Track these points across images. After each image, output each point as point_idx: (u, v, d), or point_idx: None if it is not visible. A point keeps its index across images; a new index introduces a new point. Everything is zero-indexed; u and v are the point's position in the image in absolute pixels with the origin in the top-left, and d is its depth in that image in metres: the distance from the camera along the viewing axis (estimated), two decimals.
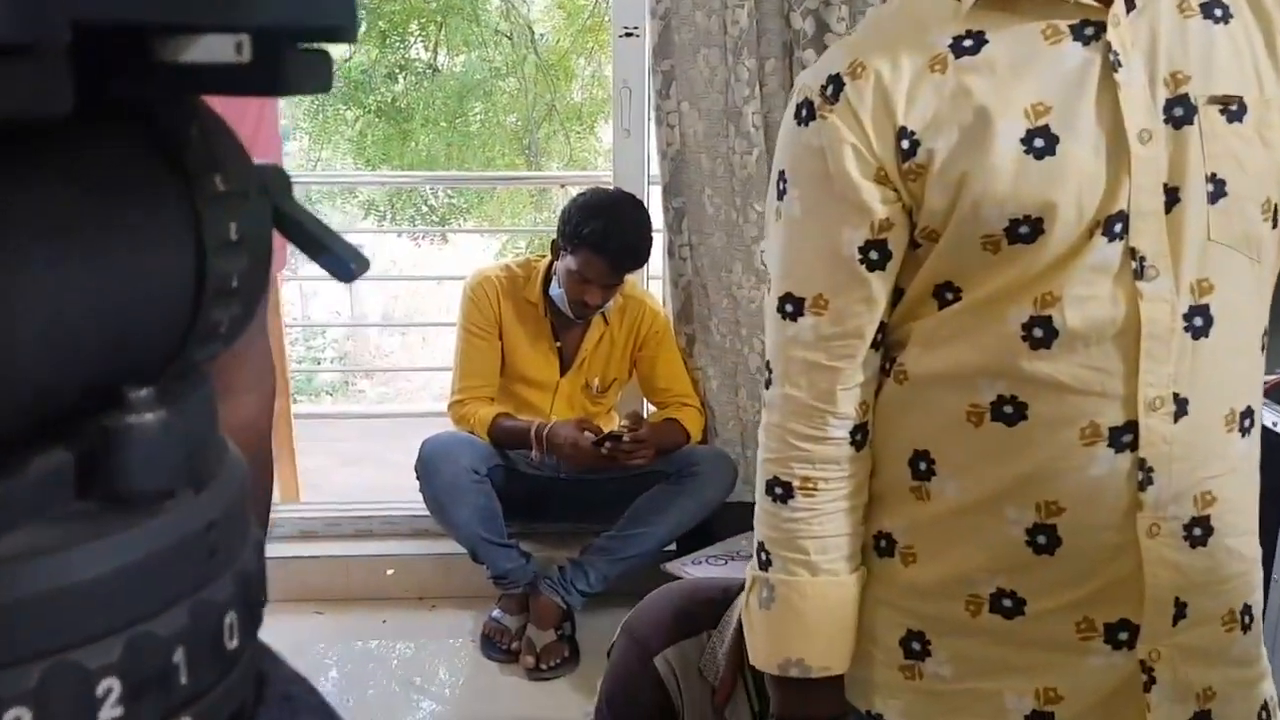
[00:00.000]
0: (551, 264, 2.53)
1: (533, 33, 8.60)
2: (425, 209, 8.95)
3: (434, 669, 2.53)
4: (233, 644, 0.26)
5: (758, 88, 2.49)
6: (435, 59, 8.67)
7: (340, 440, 4.62)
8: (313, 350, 8.12)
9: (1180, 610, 0.93)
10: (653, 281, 2.93)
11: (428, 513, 2.52)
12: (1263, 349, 0.96)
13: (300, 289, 6.30)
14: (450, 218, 9.01)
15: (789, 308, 1.00)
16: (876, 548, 1.02)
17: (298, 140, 8.47)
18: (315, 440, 4.06)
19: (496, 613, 2.49)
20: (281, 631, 0.33)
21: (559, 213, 2.51)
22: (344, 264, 0.29)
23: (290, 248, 0.29)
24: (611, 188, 2.64)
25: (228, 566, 0.26)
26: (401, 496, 2.77)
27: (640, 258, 2.48)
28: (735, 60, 2.47)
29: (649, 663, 1.37)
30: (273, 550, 0.31)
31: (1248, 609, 0.97)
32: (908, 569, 1.00)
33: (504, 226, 8.53)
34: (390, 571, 2.72)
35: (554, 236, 2.50)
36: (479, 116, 8.61)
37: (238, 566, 0.27)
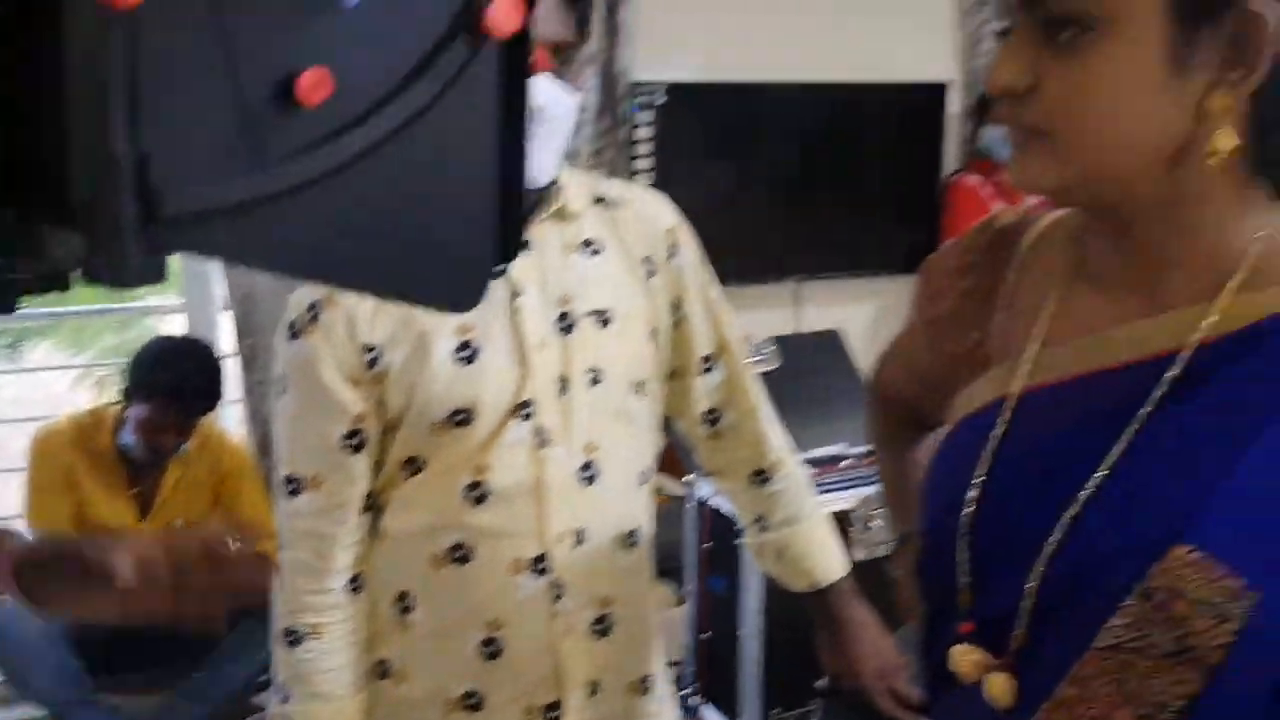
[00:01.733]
0: (123, 410, 2.60)
1: None
2: None
3: None
4: None
5: None
6: None
7: None
8: None
9: (593, 688, 1.26)
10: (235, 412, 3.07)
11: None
12: (643, 483, 1.32)
13: None
14: (23, 339, 8.43)
15: (291, 486, 1.25)
16: (376, 673, 1.28)
17: None
18: None
19: None
20: None
21: (129, 362, 2.60)
22: None
23: None
24: (179, 335, 2.77)
25: None
26: None
27: (211, 401, 2.62)
28: None
29: None
30: None
31: (647, 677, 1.33)
32: (399, 687, 1.27)
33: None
34: None
35: (124, 385, 2.58)
36: None
37: None
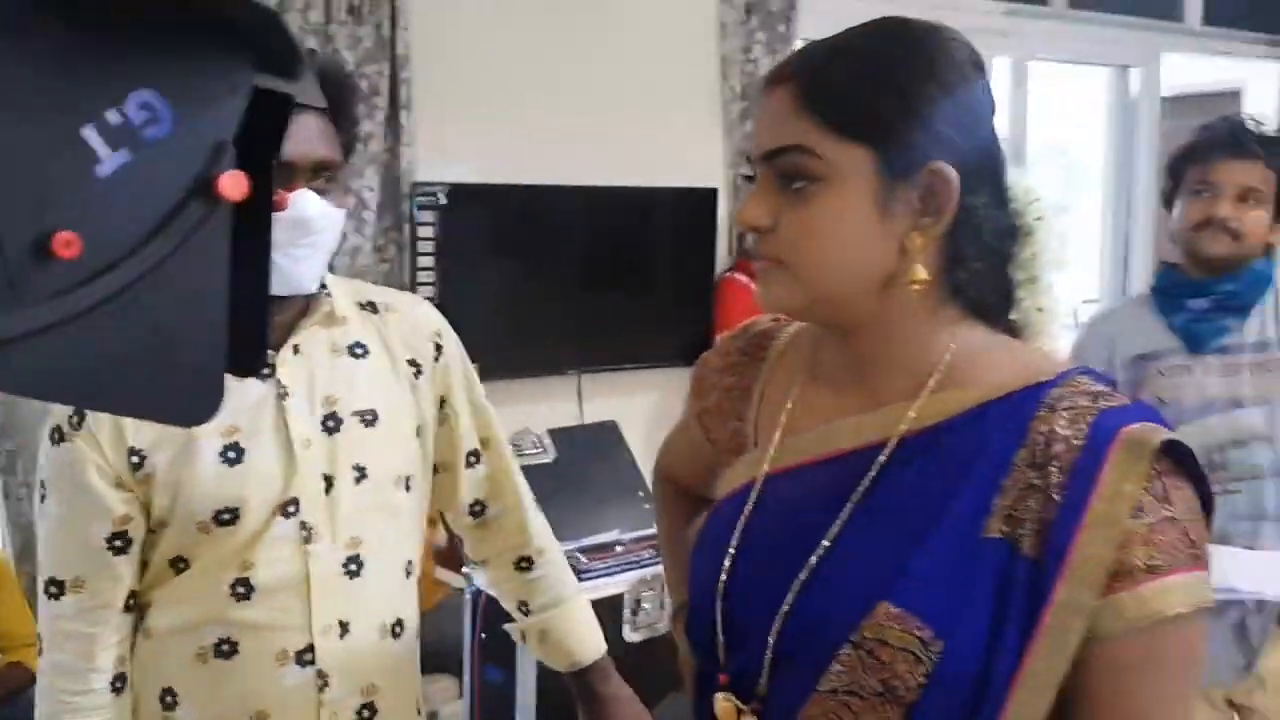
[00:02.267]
0: None
1: None
2: None
3: None
4: None
5: None
6: None
7: None
8: None
9: None
10: None
11: None
12: (408, 575, 1.39)
13: None
14: None
15: (53, 589, 1.26)
16: None
17: None
18: None
19: None
20: None
21: None
22: None
23: None
24: None
25: None
26: None
27: None
28: None
29: None
30: None
31: None
32: None
33: None
34: None
35: None
36: None
37: None
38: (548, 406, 3.35)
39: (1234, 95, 5.59)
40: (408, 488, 1.38)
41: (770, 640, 0.90)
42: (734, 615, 0.94)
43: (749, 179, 0.95)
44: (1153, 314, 2.06)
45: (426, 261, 3.17)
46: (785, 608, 0.89)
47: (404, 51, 3.06)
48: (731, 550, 0.95)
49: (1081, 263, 4.99)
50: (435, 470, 1.47)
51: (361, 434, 1.34)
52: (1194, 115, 5.96)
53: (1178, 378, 1.99)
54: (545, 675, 2.15)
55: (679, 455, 1.23)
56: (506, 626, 1.59)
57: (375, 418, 1.35)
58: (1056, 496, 0.83)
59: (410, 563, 1.40)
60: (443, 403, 1.45)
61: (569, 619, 1.53)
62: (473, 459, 1.49)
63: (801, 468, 0.95)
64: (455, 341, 1.49)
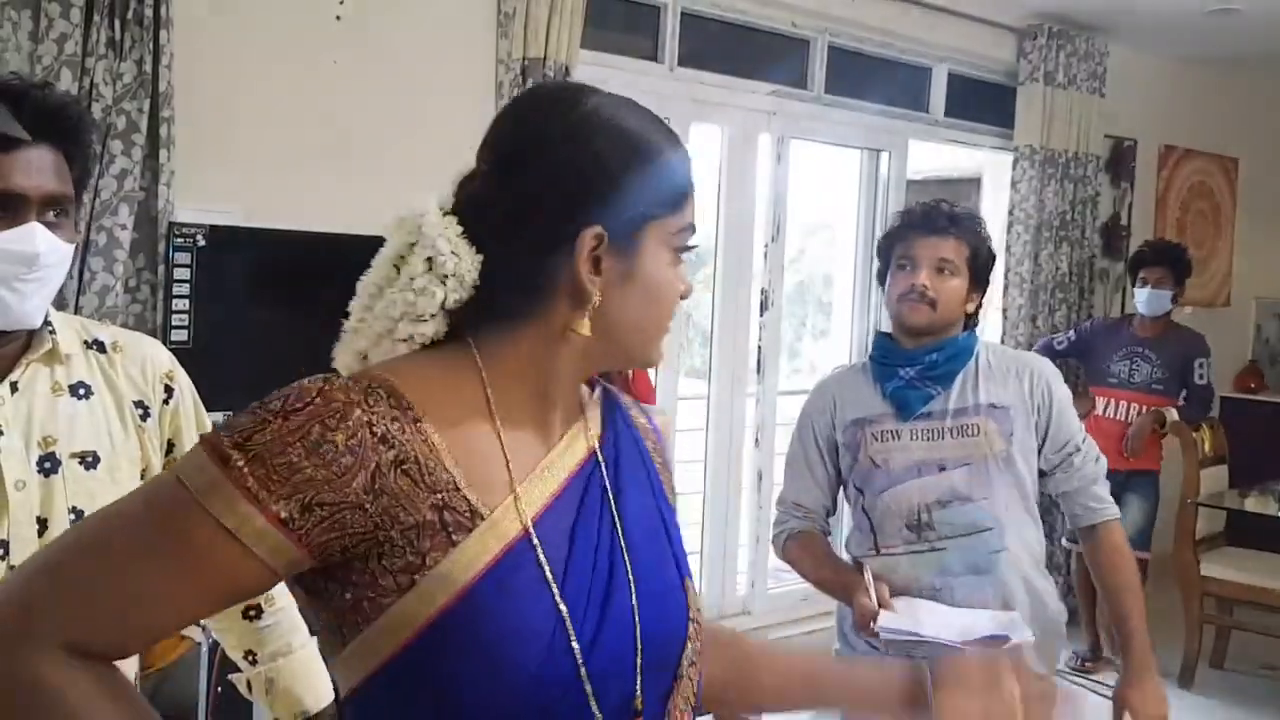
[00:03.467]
0: None
1: None
2: None
3: None
4: None
5: None
6: None
7: None
8: None
9: None
10: None
11: None
12: None
13: None
14: None
15: None
16: None
17: None
18: None
19: None
20: None
21: None
22: None
23: None
24: None
25: None
26: None
27: None
28: None
29: None
30: None
31: None
32: None
33: None
34: None
35: None
36: None
37: None
38: None
39: (975, 181, 6.11)
40: None
41: (638, 662, 0.95)
42: (599, 658, 0.92)
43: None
44: (869, 380, 2.22)
45: (181, 304, 3.08)
46: (637, 627, 0.96)
47: (165, 89, 2.99)
48: (562, 606, 0.91)
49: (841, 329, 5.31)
50: None
51: (80, 476, 1.31)
52: (938, 198, 6.47)
53: (888, 442, 2.14)
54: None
55: None
56: (232, 676, 1.56)
57: (96, 460, 1.32)
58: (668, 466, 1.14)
59: None
60: (171, 446, 1.43)
61: (297, 669, 1.52)
62: None
63: (551, 504, 0.96)
64: (187, 383, 1.47)
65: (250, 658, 1.51)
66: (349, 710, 0.93)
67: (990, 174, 5.84)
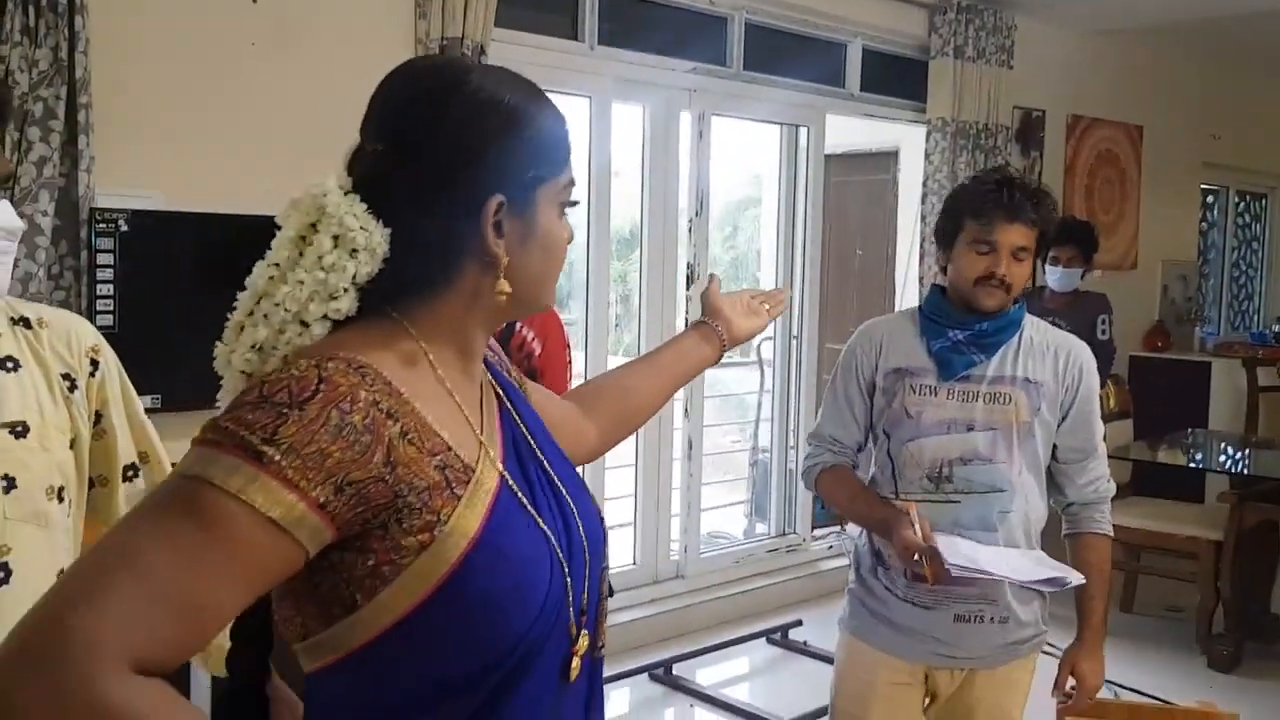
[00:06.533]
0: None
1: None
2: None
3: None
4: None
5: None
6: None
7: None
8: None
9: None
10: None
11: None
12: None
13: None
14: None
15: None
16: None
17: None
18: None
19: None
20: None
21: None
22: None
23: None
24: None
25: None
26: None
27: None
28: None
29: None
30: None
31: None
32: None
33: None
34: None
35: None
36: None
37: None
38: None
39: (893, 154, 6.26)
40: (60, 499, 1.42)
41: (599, 571, 1.12)
42: (574, 569, 1.06)
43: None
44: (917, 333, 2.26)
45: (106, 290, 3.10)
46: (584, 536, 1.09)
47: (83, 75, 3.00)
48: (548, 532, 1.03)
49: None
50: (93, 484, 1.50)
51: (10, 445, 1.37)
52: (858, 171, 6.62)
53: (925, 396, 2.20)
54: (217, 684, 2.17)
55: None
56: None
57: (26, 429, 1.38)
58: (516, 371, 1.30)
59: (63, 572, 1.42)
60: (99, 417, 1.49)
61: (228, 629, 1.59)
62: (130, 473, 1.53)
63: (502, 446, 1.08)
64: (113, 358, 1.53)
65: None
66: (341, 674, 0.96)
67: (907, 147, 6.00)
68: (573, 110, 4.51)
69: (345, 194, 1.01)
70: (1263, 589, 4.78)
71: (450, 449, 0.98)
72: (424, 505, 0.94)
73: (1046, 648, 2.34)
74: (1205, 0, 5.59)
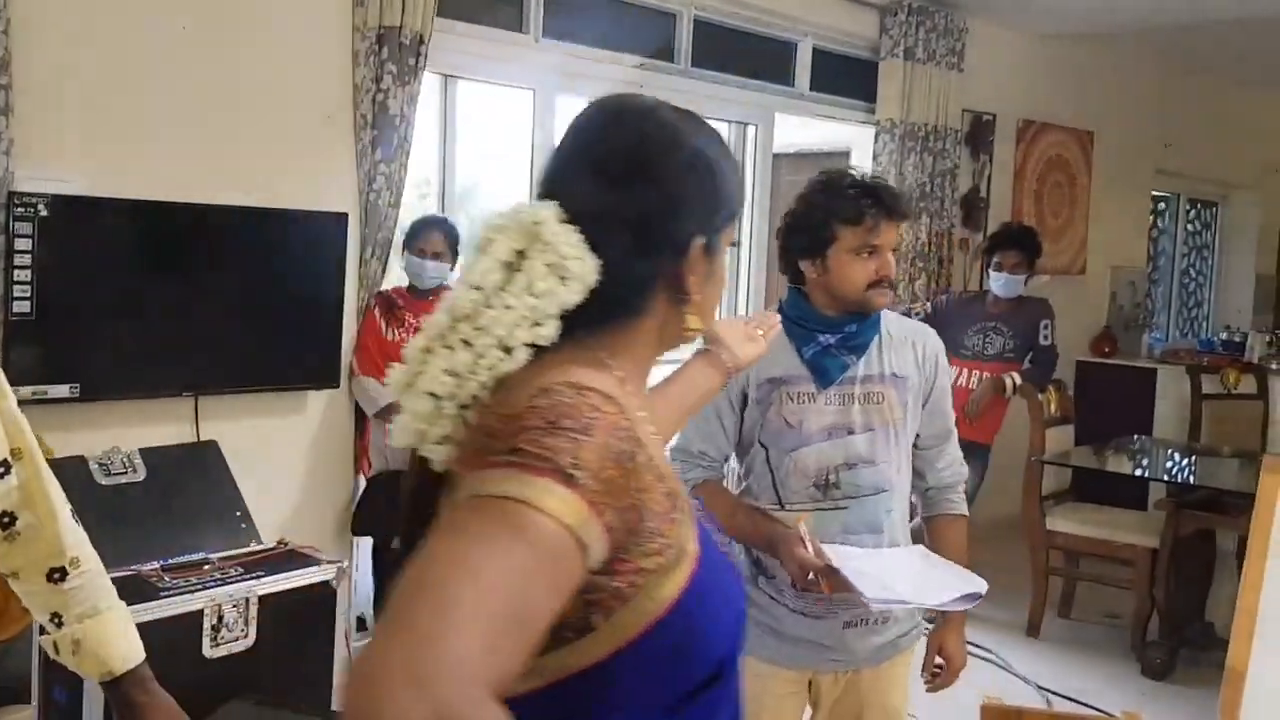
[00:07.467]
0: None
1: None
2: None
3: None
4: None
5: None
6: None
7: None
8: None
9: None
10: None
11: None
12: None
13: None
14: None
15: None
16: None
17: None
18: None
19: None
20: None
21: None
22: None
23: None
24: None
25: None
26: None
27: None
28: None
29: None
30: None
31: None
32: None
33: None
34: None
35: None
36: None
37: None
38: (163, 427, 3.27)
39: (844, 154, 6.26)
40: None
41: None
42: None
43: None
44: (784, 340, 2.16)
45: (23, 275, 3.03)
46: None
47: (3, 55, 2.93)
48: (728, 551, 1.16)
49: None
50: None
51: None
52: (810, 171, 6.60)
53: (803, 404, 2.18)
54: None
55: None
56: (40, 639, 1.58)
57: None
58: None
59: None
60: None
61: (105, 629, 1.54)
62: (2, 469, 1.48)
63: None
64: None
65: (56, 620, 1.53)
66: (551, 699, 0.96)
67: (859, 148, 6.00)
68: (515, 102, 4.47)
69: (560, 222, 1.03)
70: (1198, 597, 4.82)
71: (668, 475, 1.02)
72: (657, 529, 0.96)
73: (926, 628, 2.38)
74: (1158, 7, 5.63)
